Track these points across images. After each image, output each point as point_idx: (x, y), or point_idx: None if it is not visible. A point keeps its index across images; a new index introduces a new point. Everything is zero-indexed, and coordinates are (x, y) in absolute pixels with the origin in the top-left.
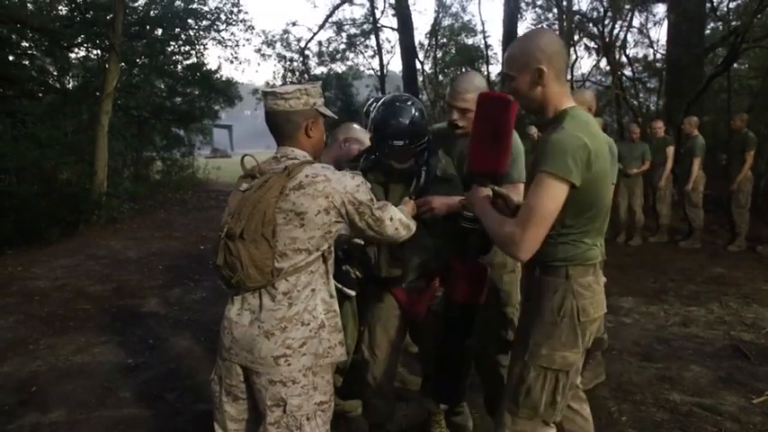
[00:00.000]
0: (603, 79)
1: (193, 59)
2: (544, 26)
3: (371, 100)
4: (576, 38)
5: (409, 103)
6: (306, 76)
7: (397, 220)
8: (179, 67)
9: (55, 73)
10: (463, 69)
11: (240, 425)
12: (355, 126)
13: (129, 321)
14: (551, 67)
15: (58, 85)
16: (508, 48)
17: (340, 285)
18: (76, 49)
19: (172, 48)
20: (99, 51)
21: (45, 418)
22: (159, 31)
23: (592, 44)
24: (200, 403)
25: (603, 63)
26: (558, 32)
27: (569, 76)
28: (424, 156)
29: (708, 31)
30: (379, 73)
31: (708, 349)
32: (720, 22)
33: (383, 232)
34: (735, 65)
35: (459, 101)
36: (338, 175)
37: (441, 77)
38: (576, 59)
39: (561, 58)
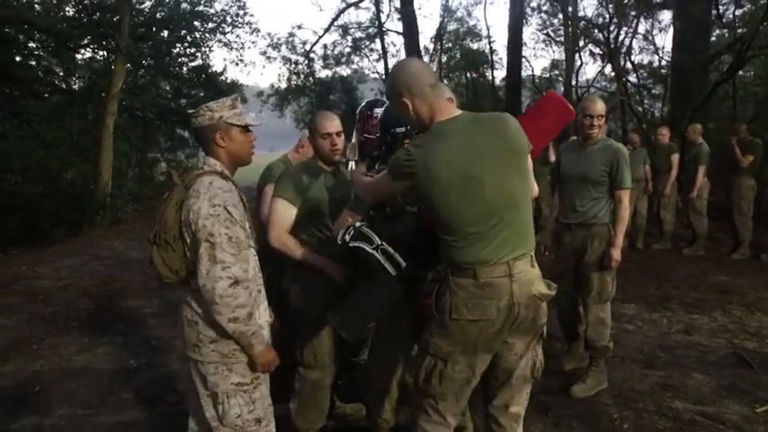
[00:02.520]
0: (608, 85)
1: (199, 61)
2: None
3: (362, 104)
4: (581, 43)
5: None
6: (311, 78)
7: (235, 278)
8: (184, 68)
9: (61, 74)
10: (468, 74)
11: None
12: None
13: (132, 322)
14: (414, 95)
15: (64, 86)
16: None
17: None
18: (83, 50)
19: (178, 50)
20: (105, 52)
21: (47, 419)
22: (165, 33)
23: (597, 50)
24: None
25: (608, 69)
26: (563, 38)
27: (574, 82)
28: None
29: (713, 39)
30: (384, 77)
31: (711, 357)
32: (726, 30)
33: (211, 277)
34: (740, 72)
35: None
36: (209, 195)
37: (445, 82)
38: (581, 65)
39: (422, 82)
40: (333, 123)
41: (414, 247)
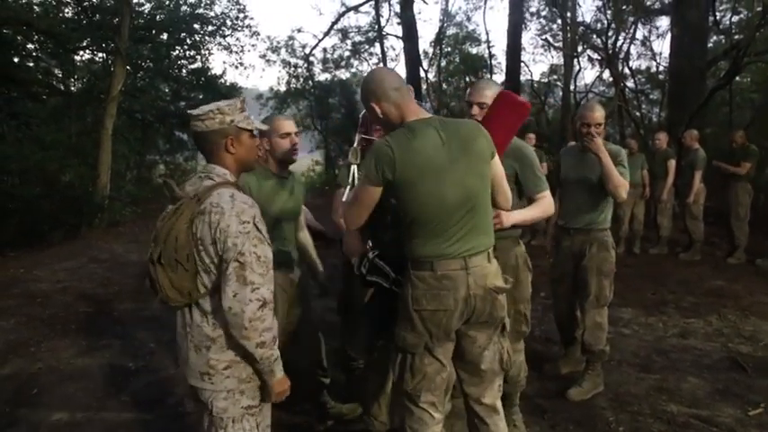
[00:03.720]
0: (606, 90)
1: (198, 64)
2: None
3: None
4: (579, 49)
5: None
6: (310, 82)
7: (264, 300)
8: (184, 71)
9: (60, 75)
10: (467, 78)
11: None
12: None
13: (131, 325)
14: (380, 98)
15: (62, 88)
16: None
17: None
18: (82, 52)
19: (177, 52)
20: (104, 54)
21: (46, 421)
22: (165, 36)
23: (595, 55)
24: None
25: (606, 74)
26: (561, 43)
27: (572, 87)
28: None
29: (710, 45)
30: None
31: (705, 361)
32: (723, 36)
33: (240, 298)
34: (737, 78)
35: (479, 97)
36: (235, 210)
37: (444, 86)
38: (580, 70)
39: (386, 86)
40: (290, 123)
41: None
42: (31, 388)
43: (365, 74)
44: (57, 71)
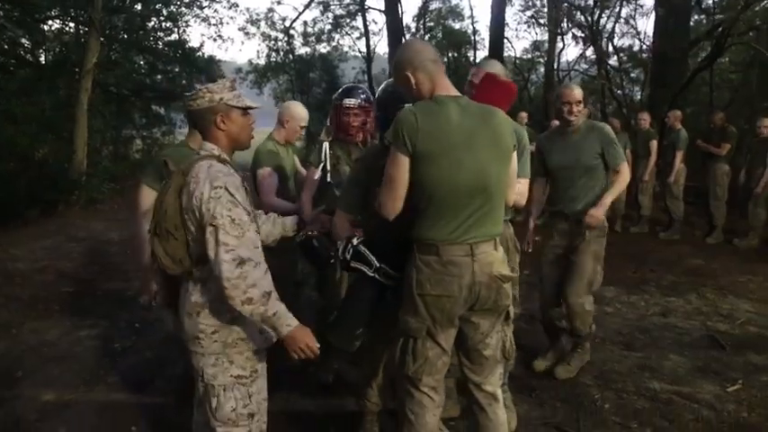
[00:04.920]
0: (589, 68)
1: (175, 36)
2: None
3: (338, 92)
4: (563, 26)
5: None
6: (290, 56)
7: (240, 258)
8: (160, 43)
9: (29, 46)
10: (450, 54)
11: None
12: (291, 104)
13: (115, 305)
14: (416, 68)
15: (30, 58)
16: None
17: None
18: (51, 22)
19: (153, 23)
20: (74, 24)
21: (32, 403)
22: (139, 6)
23: (579, 33)
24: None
25: (590, 52)
26: (545, 19)
27: (555, 65)
28: None
29: (691, 23)
30: (365, 55)
31: (686, 339)
32: (704, 15)
33: (218, 260)
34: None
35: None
36: (209, 178)
37: None
38: (564, 48)
39: (424, 56)
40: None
41: (388, 242)
42: (15, 370)
43: (346, 48)
44: (25, 41)
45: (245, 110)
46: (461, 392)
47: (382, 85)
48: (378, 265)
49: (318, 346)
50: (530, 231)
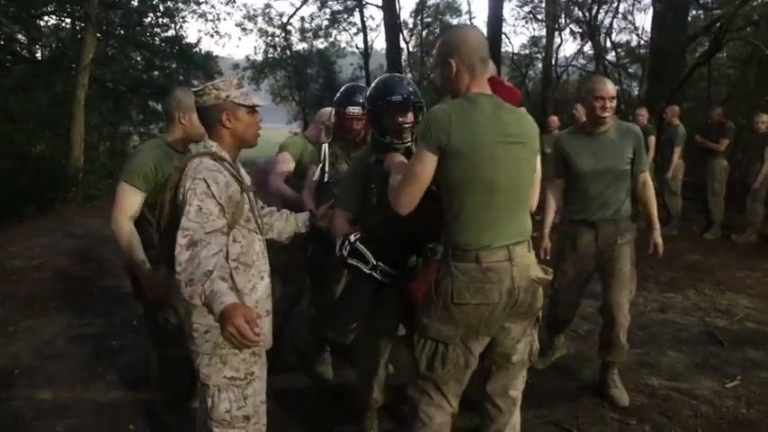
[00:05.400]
0: (587, 64)
1: (172, 32)
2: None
3: (339, 93)
4: (561, 22)
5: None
6: (288, 51)
7: (192, 239)
8: (157, 39)
9: (25, 42)
10: None
11: None
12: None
13: (112, 302)
14: (463, 59)
15: (26, 54)
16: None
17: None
18: (47, 17)
19: (150, 19)
20: (71, 20)
21: (29, 402)
22: (136, 2)
23: (577, 28)
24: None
25: (588, 47)
26: (543, 15)
27: (553, 61)
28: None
29: (689, 19)
30: (362, 51)
31: (684, 335)
32: (702, 11)
33: (177, 245)
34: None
35: None
36: (195, 172)
37: (425, 57)
38: (561, 43)
39: (475, 52)
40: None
41: (388, 240)
42: (11, 369)
43: (343, 44)
44: (21, 37)
45: (252, 108)
46: (479, 394)
47: (374, 82)
48: (375, 262)
49: (259, 330)
50: (545, 238)
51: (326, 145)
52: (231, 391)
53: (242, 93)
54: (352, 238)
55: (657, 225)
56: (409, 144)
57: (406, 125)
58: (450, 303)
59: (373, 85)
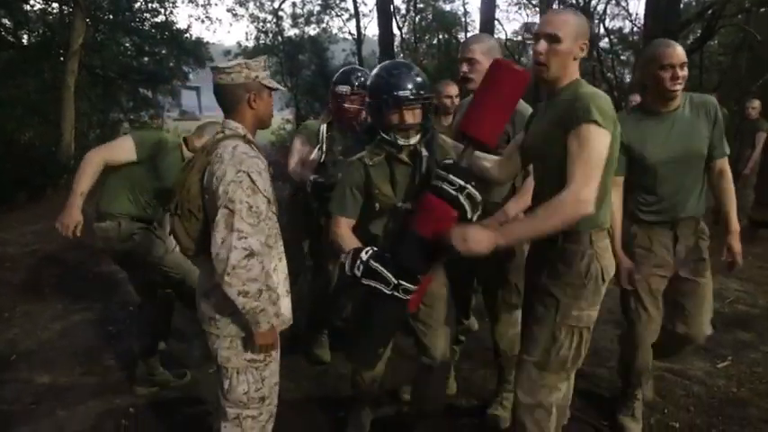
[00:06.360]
0: None
1: (162, 17)
2: None
3: (338, 74)
4: (554, 7)
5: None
6: (279, 37)
7: (251, 250)
8: (146, 24)
9: (10, 27)
10: (440, 36)
11: None
12: None
13: (108, 288)
14: (584, 47)
15: (12, 40)
16: (556, 12)
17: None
18: (33, 1)
19: (139, 4)
20: (58, 4)
21: (28, 387)
22: None
23: None
24: (186, 369)
25: None
26: (537, 1)
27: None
28: (428, 129)
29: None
30: (355, 37)
31: None
32: None
33: (226, 245)
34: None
35: (466, 52)
36: (234, 161)
37: (417, 44)
38: None
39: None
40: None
41: (404, 253)
42: (9, 354)
43: (335, 30)
44: (6, 21)
45: (272, 91)
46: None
47: (374, 71)
48: (396, 281)
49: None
50: (623, 258)
51: (324, 126)
52: (250, 373)
53: (267, 75)
54: (365, 255)
55: (737, 225)
56: (414, 145)
57: (414, 125)
58: (601, 284)
59: (376, 72)
